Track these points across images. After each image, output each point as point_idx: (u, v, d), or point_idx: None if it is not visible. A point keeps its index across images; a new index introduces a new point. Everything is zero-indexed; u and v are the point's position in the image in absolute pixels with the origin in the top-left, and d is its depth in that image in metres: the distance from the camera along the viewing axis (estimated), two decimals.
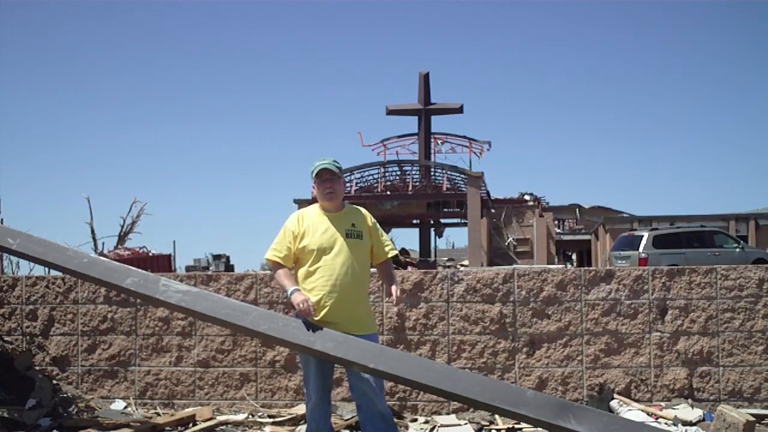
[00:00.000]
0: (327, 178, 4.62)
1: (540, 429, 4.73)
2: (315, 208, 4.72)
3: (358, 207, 4.82)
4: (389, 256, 4.76)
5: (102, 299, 7.06)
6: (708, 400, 6.58)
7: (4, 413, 5.98)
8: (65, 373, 7.04)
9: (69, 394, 6.77)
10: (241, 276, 7.02)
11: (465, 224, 28.87)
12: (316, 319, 4.46)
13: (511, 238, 30.32)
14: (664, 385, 6.63)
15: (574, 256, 40.21)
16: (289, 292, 4.48)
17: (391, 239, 5.06)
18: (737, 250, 18.94)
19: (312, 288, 4.49)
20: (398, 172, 29.16)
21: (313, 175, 4.63)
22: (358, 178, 28.84)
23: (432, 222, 32.05)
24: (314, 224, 4.60)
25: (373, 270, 4.85)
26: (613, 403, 6.46)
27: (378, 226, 4.77)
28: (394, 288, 4.66)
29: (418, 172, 28.95)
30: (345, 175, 25.90)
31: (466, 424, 6.20)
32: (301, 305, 4.36)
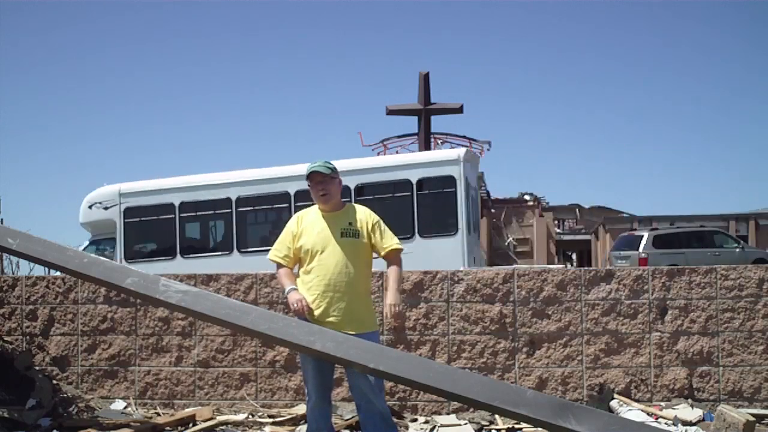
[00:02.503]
0: (319, 181, 4.64)
1: (540, 429, 4.73)
2: (315, 208, 4.76)
3: (358, 206, 4.81)
4: (388, 249, 4.66)
5: (102, 299, 7.06)
6: (708, 400, 6.58)
7: (4, 413, 5.98)
8: (65, 373, 7.04)
9: (69, 394, 6.77)
10: (241, 276, 7.02)
11: None
12: (311, 318, 4.50)
13: (511, 238, 30.31)
14: (664, 385, 6.63)
15: (574, 256, 40.19)
16: (286, 291, 4.59)
17: None
18: (737, 250, 18.99)
19: (308, 288, 4.56)
20: None
21: (306, 178, 4.65)
22: None
23: None
24: (311, 224, 4.66)
25: (374, 270, 4.84)
26: (613, 403, 6.46)
27: (381, 223, 4.70)
28: (387, 305, 4.59)
29: None
30: None
31: (466, 424, 6.21)
32: (295, 305, 4.47)
